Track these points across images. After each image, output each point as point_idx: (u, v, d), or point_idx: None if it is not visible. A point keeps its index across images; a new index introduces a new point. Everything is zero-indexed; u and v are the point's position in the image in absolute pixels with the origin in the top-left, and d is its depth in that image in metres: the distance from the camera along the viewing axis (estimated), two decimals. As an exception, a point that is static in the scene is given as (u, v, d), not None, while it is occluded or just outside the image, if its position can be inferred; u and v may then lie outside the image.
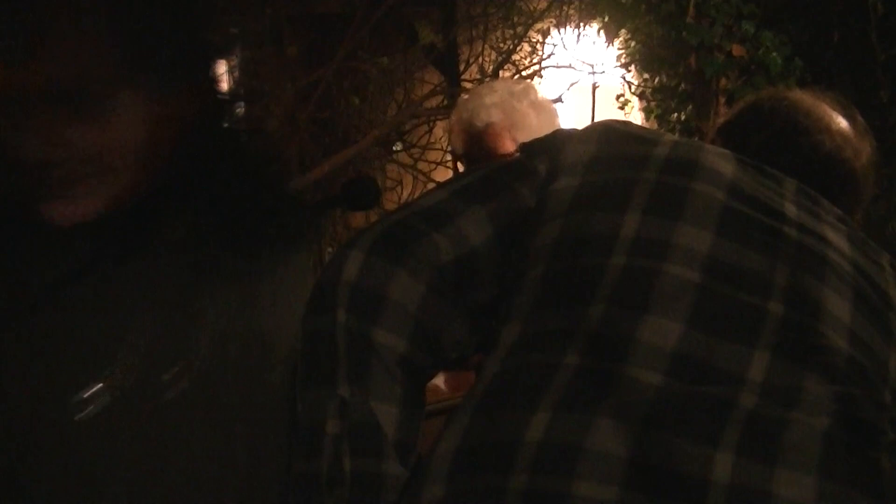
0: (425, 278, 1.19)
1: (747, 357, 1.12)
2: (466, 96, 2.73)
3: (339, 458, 1.13)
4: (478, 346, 1.26)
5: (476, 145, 2.60)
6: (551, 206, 1.24)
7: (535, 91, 2.71)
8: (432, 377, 1.27)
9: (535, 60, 6.06)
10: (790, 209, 1.25)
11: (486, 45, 6.18)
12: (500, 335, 1.20)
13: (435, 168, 6.27)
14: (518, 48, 6.04)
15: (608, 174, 1.25)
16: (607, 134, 1.31)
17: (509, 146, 2.55)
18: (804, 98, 1.44)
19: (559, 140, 1.32)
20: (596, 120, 1.39)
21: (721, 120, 1.51)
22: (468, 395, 1.18)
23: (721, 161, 1.26)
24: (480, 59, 6.17)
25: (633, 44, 5.75)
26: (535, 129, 2.48)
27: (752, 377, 1.11)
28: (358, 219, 6.05)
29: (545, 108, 2.65)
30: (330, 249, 5.56)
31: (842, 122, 1.42)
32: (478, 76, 6.04)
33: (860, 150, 1.41)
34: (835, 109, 1.43)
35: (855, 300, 1.19)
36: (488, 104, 2.59)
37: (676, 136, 1.31)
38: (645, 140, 1.29)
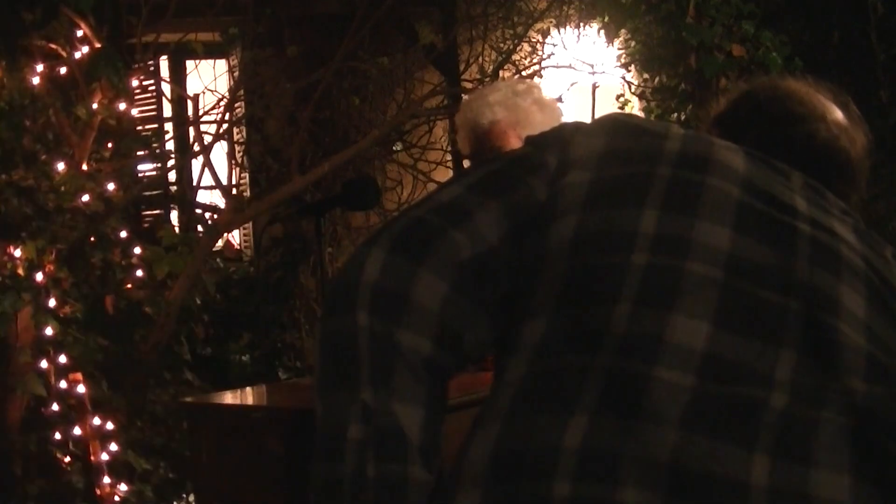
0: (448, 277, 1.17)
1: (774, 356, 1.11)
2: (470, 97, 2.73)
3: (362, 464, 1.12)
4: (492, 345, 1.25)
5: (482, 144, 2.59)
6: (565, 201, 1.22)
7: (539, 89, 2.70)
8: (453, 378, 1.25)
9: (535, 60, 6.05)
10: (801, 204, 1.24)
11: (486, 45, 6.18)
12: (521, 334, 1.18)
13: (435, 168, 6.26)
14: (518, 48, 6.04)
15: (622, 169, 1.24)
16: (616, 127, 1.30)
17: (515, 144, 2.54)
18: (798, 87, 1.43)
19: (566, 133, 1.30)
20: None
21: (715, 110, 1.50)
22: (493, 396, 1.16)
23: (732, 155, 1.26)
24: (480, 59, 6.17)
25: (633, 44, 5.74)
26: (539, 127, 2.47)
27: (780, 377, 1.10)
28: (358, 219, 6.05)
29: (549, 106, 2.65)
30: (330, 249, 5.55)
31: (836, 111, 1.41)
32: (478, 76, 6.03)
33: (855, 139, 1.41)
34: (828, 99, 1.42)
35: (868, 295, 1.19)
36: (492, 102, 2.59)
37: (683, 130, 1.30)
38: (654, 133, 1.28)
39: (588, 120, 1.37)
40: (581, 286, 1.17)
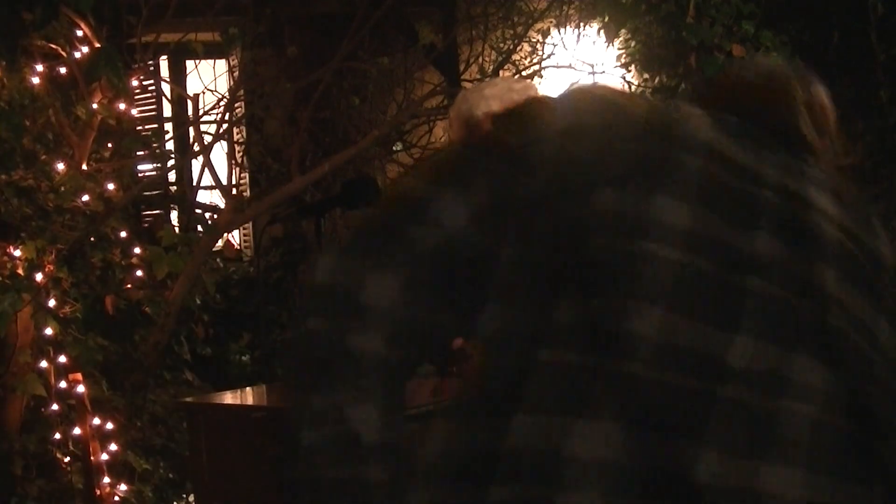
0: (401, 273, 1.16)
1: (728, 342, 1.08)
2: (467, 90, 2.75)
3: (315, 469, 1.12)
4: (466, 335, 1.23)
5: (473, 135, 2.61)
6: (526, 182, 1.19)
7: (535, 88, 2.74)
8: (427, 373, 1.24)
9: (535, 60, 6.05)
10: (771, 172, 1.20)
11: (486, 45, 6.18)
12: (482, 327, 1.16)
13: (435, 168, 6.25)
14: (518, 48, 6.03)
15: (583, 146, 1.20)
16: (583, 101, 1.27)
17: None
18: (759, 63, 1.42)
19: (533, 110, 1.28)
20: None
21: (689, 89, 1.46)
22: (457, 393, 1.17)
23: (699, 124, 1.22)
24: (480, 59, 6.17)
25: (633, 44, 5.74)
26: None
27: (733, 364, 1.08)
28: (358, 219, 6.04)
29: None
30: (330, 249, 5.54)
31: (804, 78, 1.37)
32: (478, 76, 6.03)
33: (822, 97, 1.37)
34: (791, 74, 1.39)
35: (841, 268, 1.15)
36: (487, 95, 2.63)
37: (653, 100, 1.27)
38: (621, 107, 1.25)
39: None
40: (534, 274, 1.15)
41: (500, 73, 5.87)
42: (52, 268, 3.98)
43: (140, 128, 5.26)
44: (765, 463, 1.04)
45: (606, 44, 5.66)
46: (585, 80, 5.73)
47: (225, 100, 5.14)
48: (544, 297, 1.13)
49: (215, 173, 5.01)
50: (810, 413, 1.06)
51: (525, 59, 6.15)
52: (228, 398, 2.93)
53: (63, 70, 4.29)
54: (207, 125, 5.24)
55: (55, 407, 4.02)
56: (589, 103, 1.26)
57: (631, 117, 1.22)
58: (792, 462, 1.04)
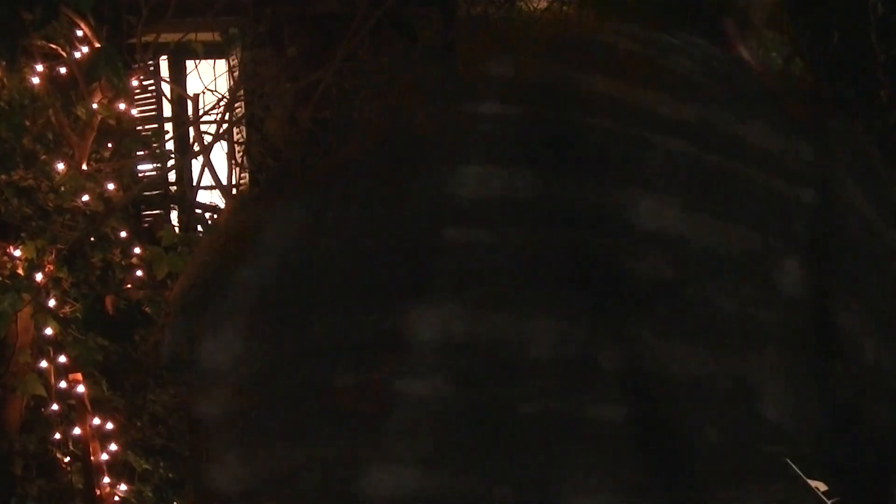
0: (239, 323, 1.07)
1: (530, 327, 0.99)
2: None
3: None
4: None
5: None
6: (363, 171, 1.10)
7: None
8: None
9: (535, 60, 6.05)
10: (603, 85, 1.06)
11: (486, 45, 6.17)
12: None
13: (435, 168, 6.24)
14: (518, 48, 6.03)
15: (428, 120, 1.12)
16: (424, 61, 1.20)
17: None
18: None
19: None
20: None
21: None
22: None
23: (543, 65, 1.13)
24: (480, 59, 6.16)
25: (633, 44, 5.73)
26: None
27: (534, 355, 1.01)
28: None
29: None
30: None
31: None
32: (478, 76, 6.03)
33: None
34: None
35: (686, 198, 1.03)
36: None
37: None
38: (458, 60, 1.16)
39: None
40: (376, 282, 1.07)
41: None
42: (52, 268, 3.98)
43: (140, 128, 5.26)
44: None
45: (606, 44, 5.65)
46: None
47: (225, 100, 5.14)
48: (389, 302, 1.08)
49: (215, 173, 5.01)
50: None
51: (525, 59, 6.15)
52: (228, 398, 2.93)
53: (63, 70, 4.30)
54: (207, 125, 5.24)
55: (55, 407, 4.03)
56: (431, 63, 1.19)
57: (482, 76, 1.14)
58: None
